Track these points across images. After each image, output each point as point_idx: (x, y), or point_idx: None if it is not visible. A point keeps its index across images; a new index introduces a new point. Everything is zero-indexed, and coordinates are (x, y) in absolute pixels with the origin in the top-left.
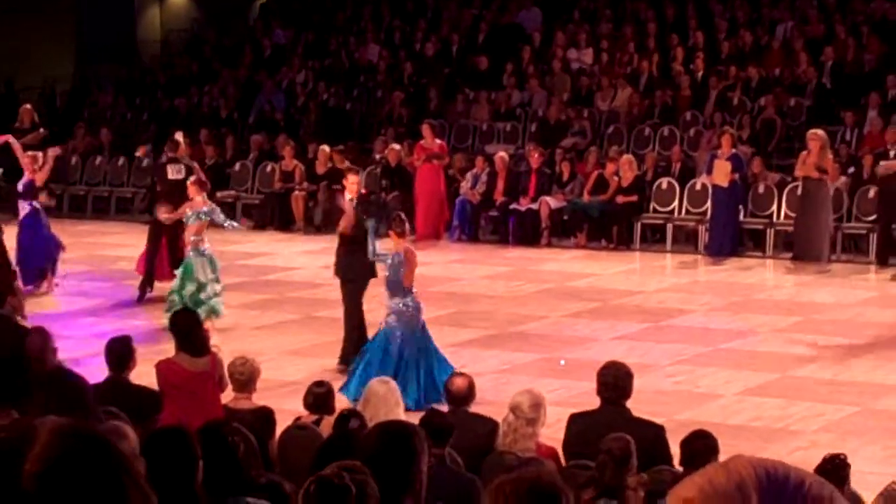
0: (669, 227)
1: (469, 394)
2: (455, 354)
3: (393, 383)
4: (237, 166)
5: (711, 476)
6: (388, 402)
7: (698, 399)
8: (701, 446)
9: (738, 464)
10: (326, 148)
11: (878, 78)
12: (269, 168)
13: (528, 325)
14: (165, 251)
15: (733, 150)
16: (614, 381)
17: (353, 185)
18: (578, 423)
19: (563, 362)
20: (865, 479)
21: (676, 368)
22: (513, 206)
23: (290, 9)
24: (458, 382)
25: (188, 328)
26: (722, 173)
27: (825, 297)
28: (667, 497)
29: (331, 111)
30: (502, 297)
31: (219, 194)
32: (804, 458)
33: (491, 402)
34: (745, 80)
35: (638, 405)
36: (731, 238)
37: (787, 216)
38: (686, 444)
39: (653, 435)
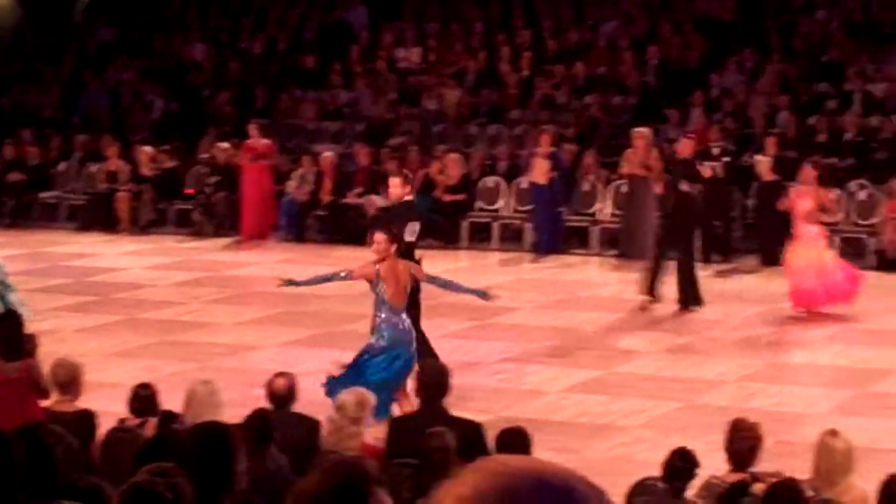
0: (496, 225)
1: (290, 394)
2: (283, 354)
3: (214, 384)
4: (61, 167)
5: (479, 480)
6: (208, 403)
7: (524, 396)
8: (510, 442)
9: (506, 466)
10: (148, 149)
11: (702, 76)
12: (93, 168)
13: (356, 324)
14: None
15: (552, 148)
16: (432, 380)
17: (396, 190)
18: (398, 425)
19: None
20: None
21: (502, 366)
22: (343, 200)
23: (115, 7)
24: (279, 383)
25: None
26: (540, 171)
27: None
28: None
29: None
30: (330, 296)
31: (42, 195)
32: (626, 453)
33: (318, 402)
34: (571, 78)
35: (464, 402)
36: (553, 235)
37: (612, 214)
38: (497, 440)
39: (472, 433)
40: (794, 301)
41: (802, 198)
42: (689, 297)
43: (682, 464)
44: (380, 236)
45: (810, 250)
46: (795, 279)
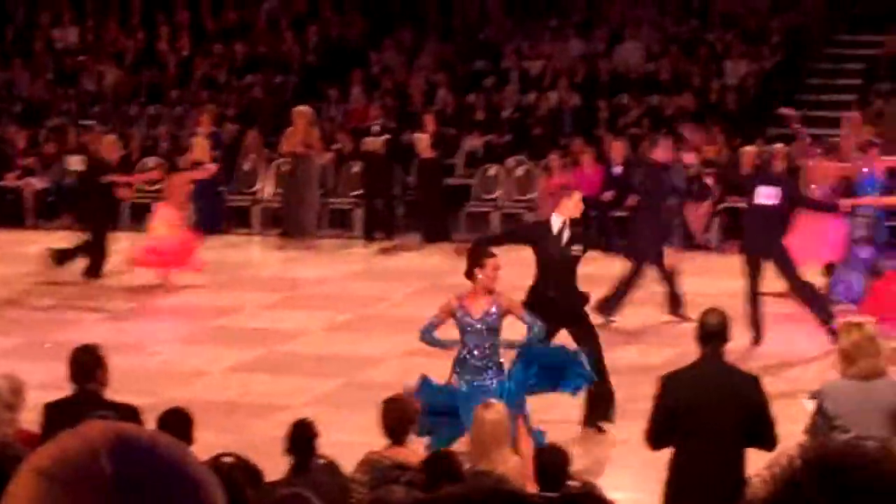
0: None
1: None
2: None
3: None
4: None
5: (63, 443)
6: None
7: (187, 377)
8: (171, 423)
9: (90, 429)
10: None
11: (362, 55)
12: None
13: (12, 310)
14: None
15: (213, 128)
16: (84, 362)
17: (576, 204)
18: (52, 411)
19: (48, 345)
20: (353, 450)
21: (164, 347)
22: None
23: None
24: None
25: None
26: (201, 151)
27: (312, 272)
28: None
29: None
30: None
31: None
32: None
33: None
34: (231, 58)
35: (127, 385)
36: (214, 215)
37: (274, 193)
38: (158, 422)
39: (127, 416)
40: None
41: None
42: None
43: (300, 434)
44: (497, 262)
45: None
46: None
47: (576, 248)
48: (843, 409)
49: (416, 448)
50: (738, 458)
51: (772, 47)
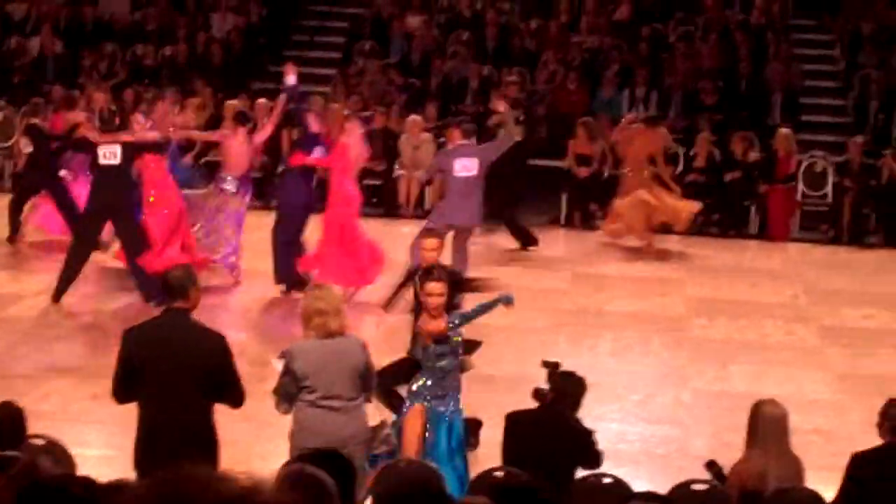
0: None
1: None
2: None
3: None
4: None
5: None
6: None
7: None
8: None
9: None
10: None
11: None
12: None
13: None
14: None
15: None
16: None
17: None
18: None
19: None
20: None
21: None
22: None
23: None
24: None
25: None
26: None
27: None
28: None
29: None
30: None
31: None
32: None
33: None
34: None
35: None
36: None
37: None
38: None
39: None
40: None
41: None
42: None
43: None
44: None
45: None
46: None
47: None
48: (310, 368)
49: None
50: (203, 414)
51: (258, 2)
